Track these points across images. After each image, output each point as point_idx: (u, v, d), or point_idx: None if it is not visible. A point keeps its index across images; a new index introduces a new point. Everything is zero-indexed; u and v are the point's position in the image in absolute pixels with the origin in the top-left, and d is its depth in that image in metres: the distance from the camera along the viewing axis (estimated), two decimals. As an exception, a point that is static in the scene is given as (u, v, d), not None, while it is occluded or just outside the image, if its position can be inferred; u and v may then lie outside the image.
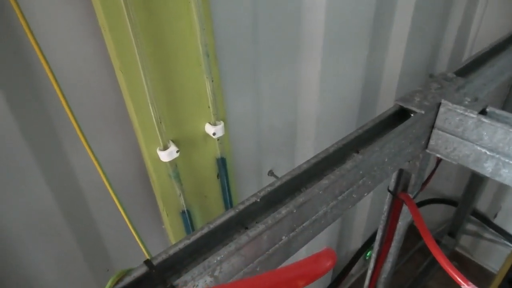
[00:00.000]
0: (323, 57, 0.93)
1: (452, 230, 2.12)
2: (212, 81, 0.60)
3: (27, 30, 0.46)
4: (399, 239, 1.12)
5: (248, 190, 0.97)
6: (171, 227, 0.69)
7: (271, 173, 1.09)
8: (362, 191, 0.71)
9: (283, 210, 0.54)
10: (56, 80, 0.50)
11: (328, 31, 0.90)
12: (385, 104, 1.33)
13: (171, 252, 0.48)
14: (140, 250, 0.72)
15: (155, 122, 0.57)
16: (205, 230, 0.51)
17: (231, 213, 0.54)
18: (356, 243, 1.93)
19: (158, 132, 0.58)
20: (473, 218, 2.04)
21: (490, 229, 1.99)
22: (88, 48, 0.57)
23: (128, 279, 0.44)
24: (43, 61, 0.48)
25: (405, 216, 1.04)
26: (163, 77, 0.56)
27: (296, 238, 0.60)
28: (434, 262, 2.16)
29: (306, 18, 0.87)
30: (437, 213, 2.23)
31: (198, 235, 0.50)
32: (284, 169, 1.11)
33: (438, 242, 2.26)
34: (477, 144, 0.77)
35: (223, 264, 0.49)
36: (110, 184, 0.58)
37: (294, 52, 0.92)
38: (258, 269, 0.55)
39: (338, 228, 1.72)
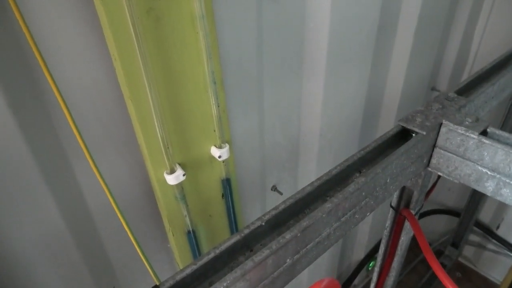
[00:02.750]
0: (326, 75, 0.94)
1: (455, 240, 2.12)
2: (218, 106, 0.61)
3: (39, 58, 0.48)
4: (402, 254, 1.12)
5: (252, 205, 0.98)
6: (177, 247, 0.70)
7: (274, 188, 1.10)
8: (365, 212, 0.73)
9: (288, 235, 0.55)
10: (66, 105, 0.52)
11: (331, 50, 0.92)
12: (388, 119, 1.34)
13: (178, 277, 0.49)
14: (145, 268, 0.73)
15: (162, 147, 0.58)
16: (211, 255, 0.52)
17: (236, 237, 0.55)
18: (358, 254, 1.93)
19: (165, 156, 0.59)
20: (476, 229, 2.04)
21: (493, 240, 1.99)
22: (98, 75, 0.58)
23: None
24: (53, 87, 0.50)
25: (408, 232, 1.05)
26: (170, 103, 0.58)
27: (300, 260, 0.61)
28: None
29: (309, 38, 0.88)
30: (440, 224, 2.23)
31: (205, 259, 0.52)
32: (287, 184, 1.13)
33: (441, 252, 2.26)
34: (478, 164, 0.78)
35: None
36: (117, 205, 0.59)
37: (297, 71, 0.93)
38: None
39: (341, 240, 1.72)
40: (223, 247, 0.54)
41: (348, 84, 1.06)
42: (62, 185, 0.63)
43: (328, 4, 0.84)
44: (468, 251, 2.18)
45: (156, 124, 0.55)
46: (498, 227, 1.97)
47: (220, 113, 0.62)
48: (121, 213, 0.58)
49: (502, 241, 1.96)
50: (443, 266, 2.21)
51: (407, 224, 1.05)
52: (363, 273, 1.97)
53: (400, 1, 1.13)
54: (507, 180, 0.75)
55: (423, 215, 2.10)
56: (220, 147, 0.66)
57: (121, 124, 0.63)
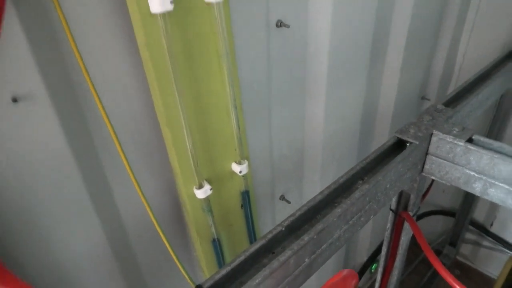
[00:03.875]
0: (326, 94, 1.04)
1: (453, 240, 2.22)
2: (239, 128, 0.70)
3: (95, 95, 0.57)
4: (403, 253, 1.21)
5: (264, 214, 1.07)
6: (203, 254, 0.79)
7: (282, 197, 1.19)
8: (369, 214, 0.82)
9: (306, 237, 0.64)
10: (114, 130, 0.60)
11: (330, 71, 1.02)
12: (383, 128, 1.44)
13: (217, 277, 0.58)
14: (173, 276, 0.81)
15: (193, 166, 0.67)
16: (242, 258, 0.61)
17: (262, 241, 0.64)
18: (361, 257, 2.01)
19: (195, 174, 0.68)
20: (471, 227, 2.14)
21: (488, 237, 2.09)
22: (138, 107, 0.68)
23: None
24: (105, 119, 0.59)
25: (407, 232, 1.14)
26: (199, 128, 0.67)
27: (316, 259, 0.70)
28: (437, 272, 2.24)
29: (310, 62, 0.99)
30: (438, 225, 2.32)
31: (236, 262, 0.60)
32: (294, 193, 1.22)
33: (439, 252, 2.36)
34: (466, 168, 0.88)
35: (260, 286, 0.58)
36: (155, 218, 0.68)
37: (301, 91, 1.03)
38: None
39: (345, 245, 1.80)
40: (251, 249, 0.62)
41: (346, 101, 1.16)
42: (104, 202, 0.71)
43: (328, 30, 0.95)
44: (465, 249, 2.27)
45: (188, 146, 0.64)
46: (491, 225, 2.07)
47: (240, 134, 0.71)
48: (159, 225, 0.66)
49: (496, 238, 2.06)
50: (443, 264, 2.30)
51: (406, 225, 1.14)
52: (367, 275, 2.06)
53: (389, 23, 1.24)
54: (492, 181, 0.85)
55: (420, 216, 2.19)
56: (240, 163, 0.75)
57: (155, 148, 0.72)
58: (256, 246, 0.63)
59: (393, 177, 0.85)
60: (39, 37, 0.53)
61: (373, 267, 2.08)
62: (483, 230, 2.10)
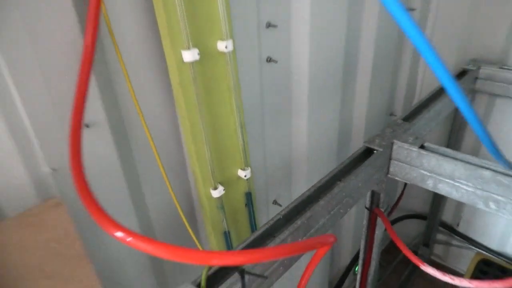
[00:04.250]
0: (308, 113, 1.27)
1: (426, 241, 2.45)
2: (243, 141, 0.91)
3: (140, 113, 0.77)
4: (378, 245, 1.43)
5: (261, 216, 1.27)
6: (217, 244, 0.98)
7: (275, 202, 1.39)
8: (346, 207, 1.03)
9: (299, 222, 0.85)
10: (155, 146, 0.80)
11: (310, 94, 1.25)
12: (357, 140, 1.68)
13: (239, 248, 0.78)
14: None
15: (210, 172, 0.87)
16: (252, 238, 0.81)
17: (266, 226, 0.84)
18: (345, 260, 2.22)
19: (211, 178, 0.88)
20: (441, 228, 2.38)
21: (456, 237, 2.33)
22: (166, 126, 0.88)
23: (215, 268, 0.73)
24: (147, 134, 0.79)
25: (380, 226, 1.36)
26: (214, 142, 0.87)
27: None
28: (414, 270, 2.47)
29: (295, 87, 1.22)
30: (412, 228, 2.56)
31: (251, 238, 0.80)
32: (285, 197, 1.42)
33: (415, 253, 2.58)
34: (420, 169, 1.11)
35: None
36: (183, 213, 0.87)
37: (288, 111, 1.26)
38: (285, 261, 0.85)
39: (330, 249, 2.01)
40: (260, 231, 0.82)
41: (325, 118, 1.39)
42: (140, 204, 0.90)
43: (306, 62, 1.18)
44: (437, 249, 2.51)
45: (207, 157, 0.85)
46: (458, 225, 2.32)
47: (244, 146, 0.92)
48: (186, 219, 0.86)
49: (463, 237, 2.30)
50: (415, 272, 2.52)
51: (379, 220, 1.36)
52: (351, 276, 2.25)
53: (357, 53, 1.49)
54: (440, 178, 1.08)
55: (396, 221, 2.43)
56: (244, 170, 0.95)
57: (177, 160, 0.92)
58: (263, 229, 0.83)
59: (363, 177, 1.07)
60: (103, 80, 0.74)
61: (356, 269, 2.28)
62: (451, 230, 2.35)
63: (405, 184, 2.04)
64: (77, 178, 0.52)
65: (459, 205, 2.29)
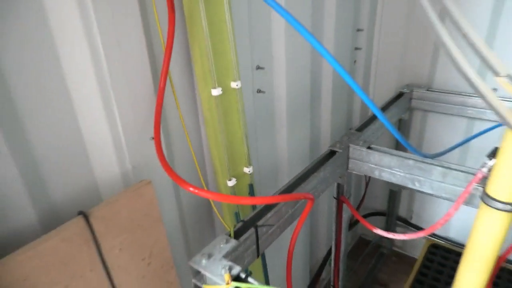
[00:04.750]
0: (287, 128, 1.72)
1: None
2: (247, 147, 1.33)
3: (184, 129, 1.18)
4: (346, 227, 1.86)
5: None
6: (230, 222, 1.37)
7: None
8: (319, 192, 1.46)
9: (283, 206, 1.26)
10: (192, 149, 1.20)
11: (288, 114, 1.70)
12: (324, 146, 2.14)
13: (248, 218, 1.17)
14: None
15: (227, 168, 1.28)
16: (249, 217, 1.21)
17: (256, 210, 1.25)
18: (322, 252, 2.63)
19: (228, 172, 1.29)
20: (398, 222, 2.86)
21: (411, 228, 2.81)
22: (193, 139, 1.29)
23: (239, 225, 1.12)
24: (189, 144, 1.19)
25: (346, 211, 1.80)
26: (228, 146, 1.29)
27: (288, 218, 1.31)
28: (378, 260, 2.91)
29: (277, 109, 1.66)
30: (375, 224, 3.01)
31: (257, 209, 1.20)
32: (274, 188, 1.84)
33: (380, 245, 3.04)
34: (369, 163, 1.57)
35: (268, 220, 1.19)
36: (212, 202, 1.27)
37: (272, 127, 1.70)
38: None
39: (309, 240, 2.42)
40: (259, 208, 1.23)
41: (299, 131, 1.84)
42: (176, 196, 1.29)
43: (284, 92, 1.63)
44: (398, 240, 2.98)
45: (225, 158, 1.26)
46: (411, 218, 2.81)
47: (248, 151, 1.34)
48: (215, 206, 1.25)
49: (416, 227, 2.79)
50: (382, 254, 2.97)
51: (345, 206, 1.80)
52: (327, 267, 2.66)
53: (320, 81, 1.97)
54: (382, 168, 1.54)
55: (363, 217, 2.88)
56: (248, 167, 1.37)
57: (199, 161, 1.32)
58: (262, 206, 1.24)
59: (330, 170, 1.51)
60: (166, 110, 1.15)
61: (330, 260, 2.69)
62: (406, 223, 2.83)
63: (367, 185, 2.53)
64: (161, 159, 0.93)
65: (410, 202, 2.79)
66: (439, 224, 1.29)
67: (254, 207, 1.45)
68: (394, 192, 2.69)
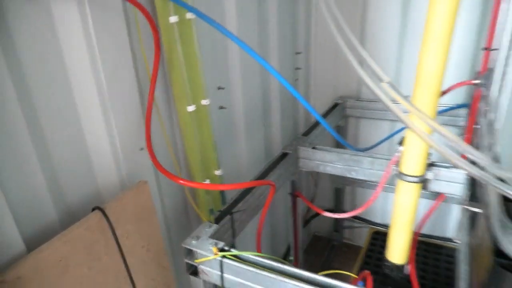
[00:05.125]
0: (245, 137, 2.03)
1: (336, 228, 3.30)
2: (216, 154, 1.62)
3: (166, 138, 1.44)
4: (301, 218, 2.19)
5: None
6: (205, 218, 1.63)
7: (231, 199, 2.08)
8: (278, 186, 1.78)
9: (251, 193, 1.56)
10: (174, 155, 1.47)
11: (246, 125, 2.01)
12: (277, 150, 2.47)
13: (224, 208, 1.44)
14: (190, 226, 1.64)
15: (202, 171, 1.55)
16: (230, 202, 1.49)
17: (236, 197, 1.53)
18: (282, 249, 2.93)
19: (202, 175, 1.56)
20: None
21: (356, 220, 3.22)
22: (172, 143, 1.55)
23: (217, 214, 1.39)
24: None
25: (300, 204, 2.14)
26: (202, 154, 1.56)
27: (257, 205, 1.61)
28: (330, 253, 3.27)
29: (237, 121, 1.98)
30: (327, 220, 3.40)
31: (231, 201, 1.48)
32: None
33: (331, 239, 3.41)
34: (315, 160, 1.92)
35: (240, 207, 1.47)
36: (192, 200, 1.53)
37: (234, 137, 2.00)
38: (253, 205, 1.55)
39: (270, 242, 2.70)
40: (230, 201, 1.50)
41: (256, 139, 2.16)
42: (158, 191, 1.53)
43: (241, 107, 1.95)
44: (346, 233, 3.37)
45: (200, 163, 1.53)
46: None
47: (217, 156, 1.62)
48: (192, 198, 1.51)
49: (360, 219, 3.20)
50: (333, 246, 3.34)
51: (299, 200, 2.13)
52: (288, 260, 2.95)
53: (270, 98, 2.33)
54: (326, 163, 1.90)
55: (313, 217, 3.23)
56: (217, 170, 1.65)
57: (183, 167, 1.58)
58: (232, 200, 1.52)
59: (284, 168, 1.83)
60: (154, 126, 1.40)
61: (291, 257, 3.00)
62: (351, 216, 3.24)
63: (316, 185, 2.89)
64: (155, 163, 1.19)
65: (353, 197, 3.21)
66: (370, 201, 1.66)
67: (225, 202, 1.74)
68: (339, 190, 3.09)
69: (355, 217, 3.22)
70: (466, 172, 0.81)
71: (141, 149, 1.35)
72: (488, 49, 1.70)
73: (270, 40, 2.17)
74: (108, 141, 1.22)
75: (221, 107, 1.82)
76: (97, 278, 1.07)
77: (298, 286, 1.05)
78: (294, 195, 2.09)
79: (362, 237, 3.26)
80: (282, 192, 2.39)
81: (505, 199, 0.89)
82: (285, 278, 1.07)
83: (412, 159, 1.40)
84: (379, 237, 2.99)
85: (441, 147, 0.86)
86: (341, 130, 2.78)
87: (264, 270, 1.11)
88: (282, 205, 2.69)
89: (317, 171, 1.94)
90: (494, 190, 0.92)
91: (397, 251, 1.64)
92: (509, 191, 0.73)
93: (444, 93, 1.34)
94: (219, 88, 1.79)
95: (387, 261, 1.69)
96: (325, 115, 2.48)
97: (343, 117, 2.71)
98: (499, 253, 0.79)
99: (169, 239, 1.58)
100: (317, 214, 3.29)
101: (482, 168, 0.80)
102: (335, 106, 2.58)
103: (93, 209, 1.10)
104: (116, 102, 1.20)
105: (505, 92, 1.80)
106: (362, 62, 0.98)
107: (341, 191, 3.10)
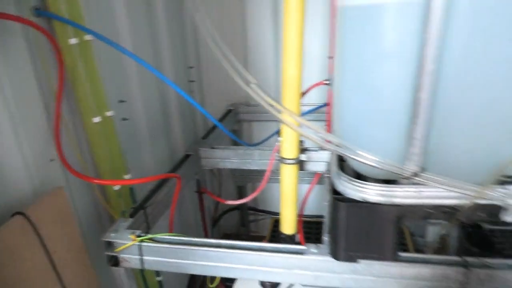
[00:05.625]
0: (150, 143, 2.22)
1: (242, 223, 3.62)
2: (124, 159, 1.78)
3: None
4: (208, 211, 2.45)
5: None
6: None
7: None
8: (187, 181, 2.00)
9: (160, 191, 1.77)
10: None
11: (150, 136, 2.21)
12: (180, 153, 2.70)
13: (137, 204, 1.62)
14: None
15: (112, 177, 1.70)
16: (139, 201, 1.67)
17: (144, 195, 1.72)
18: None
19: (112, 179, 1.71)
20: (250, 211, 3.61)
21: (260, 213, 3.58)
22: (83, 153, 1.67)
23: (130, 211, 1.57)
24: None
25: (207, 199, 2.39)
26: (111, 160, 1.71)
27: (165, 198, 1.82)
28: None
29: (141, 133, 2.15)
30: (234, 217, 3.70)
31: (144, 196, 1.67)
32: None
33: (239, 234, 3.72)
34: (215, 158, 2.20)
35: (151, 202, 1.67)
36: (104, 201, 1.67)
37: (138, 145, 2.17)
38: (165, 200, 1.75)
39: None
40: (139, 201, 1.69)
41: (160, 144, 2.36)
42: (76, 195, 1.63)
43: (144, 117, 2.14)
44: (253, 226, 3.72)
45: (109, 169, 1.68)
46: (258, 205, 3.60)
47: (125, 161, 1.79)
48: (105, 201, 1.65)
49: (264, 211, 3.58)
50: (242, 240, 3.65)
51: (205, 196, 2.38)
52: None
53: (169, 103, 2.55)
54: (224, 160, 2.19)
55: (222, 215, 3.50)
56: (126, 174, 1.81)
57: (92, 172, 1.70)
58: (143, 197, 1.70)
59: (189, 168, 2.07)
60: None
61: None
62: (255, 210, 3.60)
63: (220, 185, 3.18)
64: (69, 168, 1.34)
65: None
66: (261, 187, 2.01)
67: (135, 203, 1.90)
68: (241, 187, 3.42)
69: (258, 210, 3.59)
70: (322, 146, 1.16)
71: (52, 160, 1.47)
72: (331, 57, 2.21)
73: (164, 56, 2.41)
74: (20, 155, 1.32)
75: (124, 119, 1.99)
76: (25, 277, 1.17)
77: (207, 251, 1.31)
78: (200, 192, 2.34)
79: (266, 228, 3.64)
80: (189, 192, 2.62)
81: (340, 159, 1.29)
82: (196, 247, 1.32)
83: (288, 145, 1.78)
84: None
85: (303, 132, 1.22)
86: (236, 133, 3.12)
87: (177, 245, 1.34)
88: (192, 204, 2.90)
89: (218, 167, 2.22)
90: (335, 154, 1.32)
91: (288, 224, 2.01)
92: (343, 152, 1.10)
93: (304, 93, 1.75)
94: (120, 101, 1.96)
95: (282, 233, 2.05)
96: (221, 119, 2.79)
97: (237, 122, 3.06)
98: (335, 191, 1.17)
99: (85, 240, 1.69)
100: (225, 213, 3.59)
101: (330, 143, 1.16)
102: (229, 112, 2.91)
103: (13, 215, 1.20)
104: (24, 119, 1.32)
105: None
106: (239, 71, 1.30)
107: (243, 188, 3.44)
